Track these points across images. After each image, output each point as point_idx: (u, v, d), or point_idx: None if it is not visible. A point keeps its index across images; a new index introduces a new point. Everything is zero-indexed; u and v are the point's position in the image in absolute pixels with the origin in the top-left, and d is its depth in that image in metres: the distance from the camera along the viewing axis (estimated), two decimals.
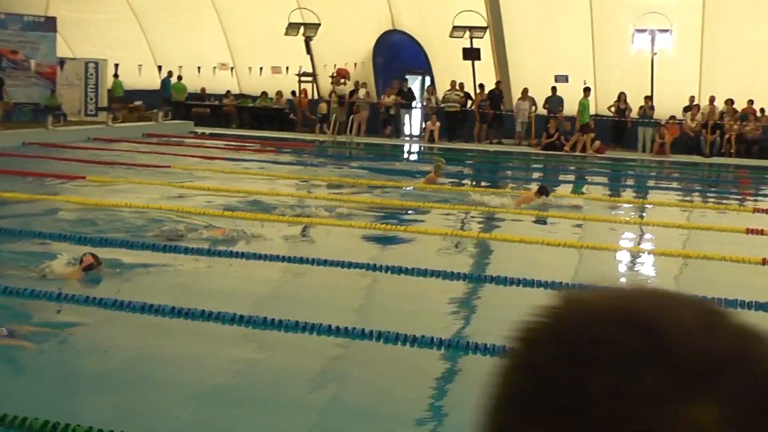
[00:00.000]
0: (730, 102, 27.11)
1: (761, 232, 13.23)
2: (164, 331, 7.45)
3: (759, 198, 19.25)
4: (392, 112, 29.45)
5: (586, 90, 27.03)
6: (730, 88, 26.68)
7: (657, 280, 10.23)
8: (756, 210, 15.89)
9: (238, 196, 14.76)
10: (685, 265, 11.22)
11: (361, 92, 29.25)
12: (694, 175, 23.66)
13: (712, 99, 27.10)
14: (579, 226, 13.59)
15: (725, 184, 22.35)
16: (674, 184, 21.75)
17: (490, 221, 13.73)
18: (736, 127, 26.75)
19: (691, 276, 10.74)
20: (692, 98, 27.32)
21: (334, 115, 27.90)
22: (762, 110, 27.09)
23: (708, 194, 19.61)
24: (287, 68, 30.93)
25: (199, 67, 31.83)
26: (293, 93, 31.03)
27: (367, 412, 5.97)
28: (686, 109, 27.29)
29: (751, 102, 27.01)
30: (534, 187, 15.62)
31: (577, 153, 26.54)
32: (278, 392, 6.22)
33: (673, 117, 27.30)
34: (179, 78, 31.89)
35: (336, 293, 9.02)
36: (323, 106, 29.04)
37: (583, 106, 26.76)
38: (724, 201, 17.88)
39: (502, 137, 28.66)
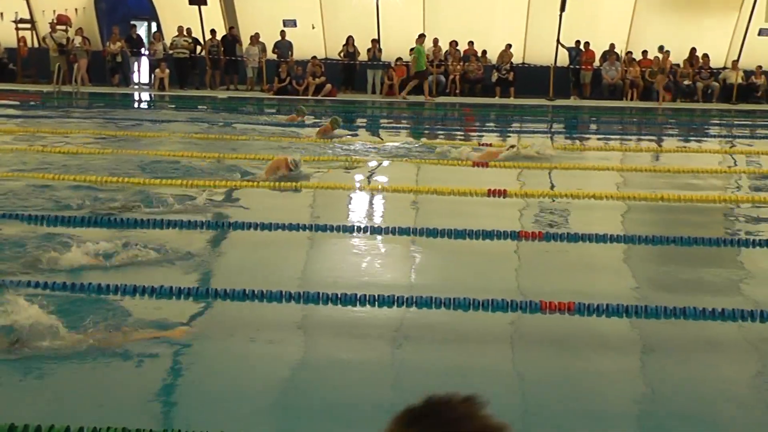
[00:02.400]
0: (453, 43, 28.27)
1: (486, 165, 13.96)
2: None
3: (482, 133, 20.24)
4: (119, 59, 28.39)
5: (420, 36, 26.99)
6: (453, 30, 27.80)
7: (390, 216, 10.56)
8: (481, 144, 16.69)
9: None
10: (417, 200, 11.64)
11: (77, 39, 27.85)
12: (421, 113, 24.49)
13: (435, 41, 28.13)
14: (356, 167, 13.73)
15: (452, 121, 23.33)
16: (404, 123, 22.45)
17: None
18: (459, 67, 27.91)
19: (425, 209, 11.15)
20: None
21: (57, 65, 26.49)
22: (484, 52, 28.42)
23: (436, 131, 20.38)
24: (1, 14, 29.03)
25: None
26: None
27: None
28: (411, 51, 28.12)
29: (471, 43, 28.26)
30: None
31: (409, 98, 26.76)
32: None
33: (400, 59, 28.08)
34: None
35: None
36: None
37: (419, 52, 26.61)
38: (453, 137, 18.65)
39: (239, 83, 28.42)
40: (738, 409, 5.41)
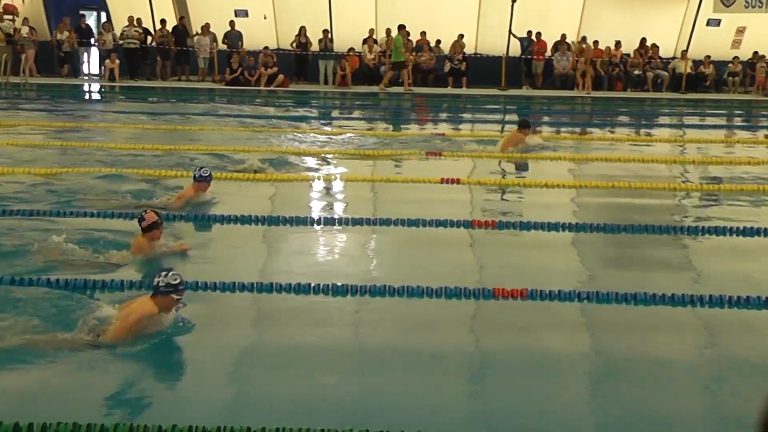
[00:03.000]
0: (406, 34, 28.26)
1: (439, 154, 14.02)
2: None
3: (436, 123, 20.29)
4: (67, 49, 28.00)
5: (400, 27, 26.90)
6: (405, 20, 27.79)
7: (344, 206, 10.57)
8: (434, 134, 16.75)
9: None
10: (375, 189, 11.67)
11: (24, 30, 27.38)
12: (374, 104, 24.48)
13: (388, 31, 28.13)
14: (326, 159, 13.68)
15: (406, 111, 23.35)
16: (357, 114, 22.42)
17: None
18: (412, 57, 27.94)
19: (381, 198, 11.18)
20: (371, 31, 28.19)
21: (4, 55, 26.04)
22: (437, 42, 28.46)
23: (389, 122, 20.39)
24: None
25: None
26: None
27: None
28: (364, 42, 28.10)
29: (424, 34, 28.30)
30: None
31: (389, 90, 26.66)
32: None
33: (352, 49, 28.04)
34: None
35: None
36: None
37: (398, 42, 26.50)
38: (404, 127, 18.68)
39: (191, 74, 28.18)
40: (686, 387, 5.50)
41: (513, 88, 27.39)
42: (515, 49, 28.08)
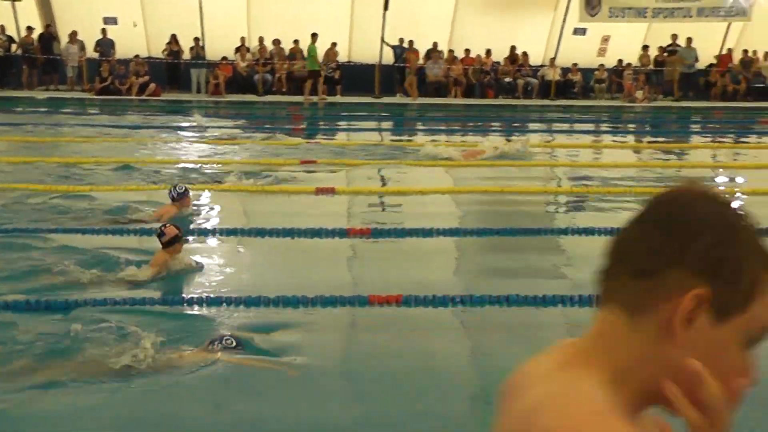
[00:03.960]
0: (277, 42, 28.15)
1: (314, 162, 13.99)
2: None
3: (311, 132, 20.21)
4: None
5: (313, 35, 26.60)
6: (278, 28, 27.69)
7: (217, 216, 10.42)
8: (309, 143, 16.71)
9: None
10: (248, 199, 11.54)
11: None
12: (250, 112, 24.24)
13: (261, 39, 27.96)
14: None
15: (280, 120, 23.21)
16: (230, 123, 22.12)
17: None
18: (285, 66, 27.84)
19: (254, 209, 11.06)
20: (243, 39, 27.96)
21: None
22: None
23: (267, 130, 20.16)
24: None
25: None
26: None
27: None
28: (237, 50, 27.86)
29: (297, 42, 28.20)
30: None
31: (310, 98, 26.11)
32: None
33: (225, 58, 27.76)
34: None
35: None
36: None
37: (312, 51, 26.42)
38: (281, 136, 18.55)
39: (59, 83, 27.36)
40: None
41: (387, 96, 27.56)
42: (389, 57, 28.27)
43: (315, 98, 26.46)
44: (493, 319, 6.75)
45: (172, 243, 7.50)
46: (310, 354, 5.97)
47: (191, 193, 10.07)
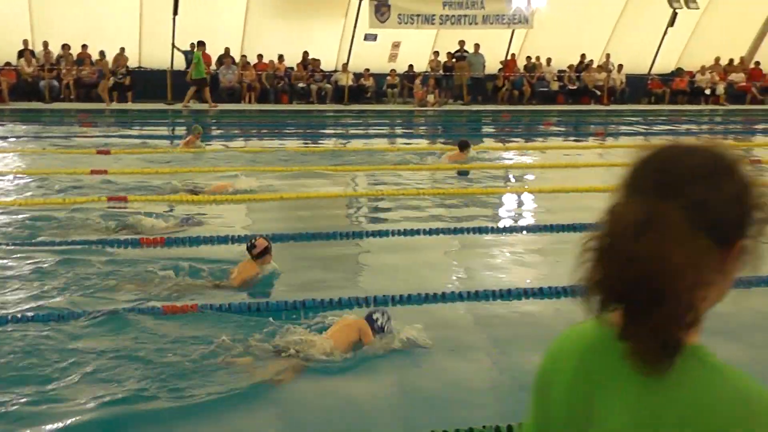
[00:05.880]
0: (66, 47, 27.18)
1: (105, 172, 13.61)
2: None
3: (103, 140, 19.57)
4: None
5: (200, 44, 26.25)
6: (64, 32, 26.75)
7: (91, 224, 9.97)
8: (99, 152, 16.23)
9: None
10: (31, 212, 11.09)
11: None
12: (35, 120, 23.17)
13: (45, 44, 26.92)
14: None
15: (71, 125, 22.37)
16: (16, 131, 21.13)
17: None
18: (74, 71, 26.90)
19: (34, 221, 10.64)
20: (26, 42, 26.83)
21: None
22: (102, 54, 27.39)
23: (54, 139, 19.36)
24: None
25: None
26: None
27: None
28: (20, 55, 26.70)
29: (85, 47, 27.32)
30: None
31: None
32: None
33: (8, 63, 26.54)
34: None
35: None
36: None
37: (198, 58, 26.10)
38: (70, 145, 17.91)
39: None
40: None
41: (179, 102, 27.13)
42: (180, 63, 27.84)
43: (206, 106, 26.41)
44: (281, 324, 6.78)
45: (264, 254, 7.96)
46: (92, 363, 5.81)
47: None
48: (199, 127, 17.91)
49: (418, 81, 29.81)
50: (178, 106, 26.77)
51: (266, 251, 7.97)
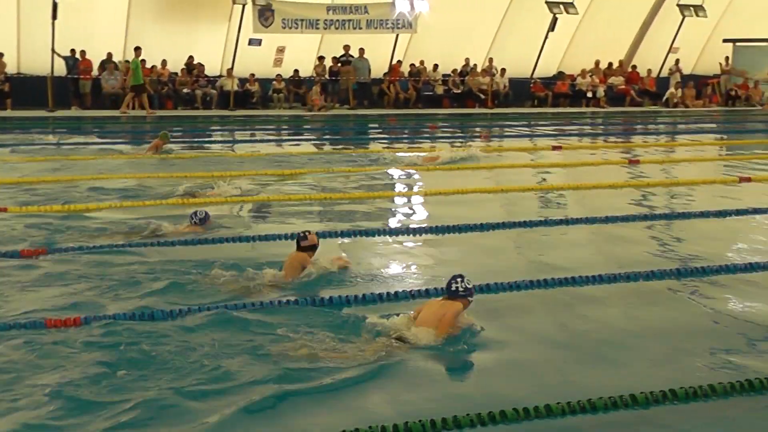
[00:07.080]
0: None
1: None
2: None
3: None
4: None
5: (137, 49, 26.27)
6: None
7: None
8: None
9: None
10: None
11: None
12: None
13: None
14: None
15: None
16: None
17: None
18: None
19: None
20: None
21: None
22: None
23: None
24: None
25: None
26: None
27: None
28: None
29: None
30: None
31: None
32: None
33: None
34: None
35: None
36: None
37: (136, 65, 26.19)
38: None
39: None
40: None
41: (61, 109, 26.50)
42: (60, 69, 27.18)
43: (144, 112, 26.25)
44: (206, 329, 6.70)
45: (315, 248, 8.08)
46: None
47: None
48: (166, 133, 17.96)
49: (316, 87, 29.69)
50: (55, 112, 26.10)
51: (315, 247, 8.12)
